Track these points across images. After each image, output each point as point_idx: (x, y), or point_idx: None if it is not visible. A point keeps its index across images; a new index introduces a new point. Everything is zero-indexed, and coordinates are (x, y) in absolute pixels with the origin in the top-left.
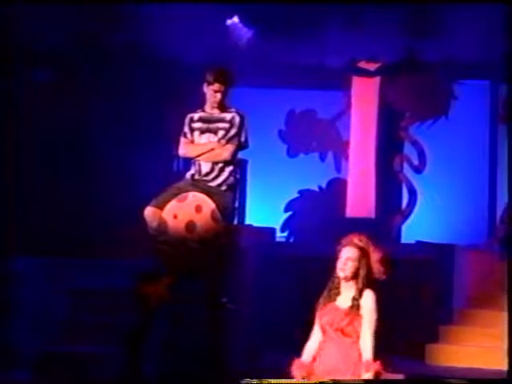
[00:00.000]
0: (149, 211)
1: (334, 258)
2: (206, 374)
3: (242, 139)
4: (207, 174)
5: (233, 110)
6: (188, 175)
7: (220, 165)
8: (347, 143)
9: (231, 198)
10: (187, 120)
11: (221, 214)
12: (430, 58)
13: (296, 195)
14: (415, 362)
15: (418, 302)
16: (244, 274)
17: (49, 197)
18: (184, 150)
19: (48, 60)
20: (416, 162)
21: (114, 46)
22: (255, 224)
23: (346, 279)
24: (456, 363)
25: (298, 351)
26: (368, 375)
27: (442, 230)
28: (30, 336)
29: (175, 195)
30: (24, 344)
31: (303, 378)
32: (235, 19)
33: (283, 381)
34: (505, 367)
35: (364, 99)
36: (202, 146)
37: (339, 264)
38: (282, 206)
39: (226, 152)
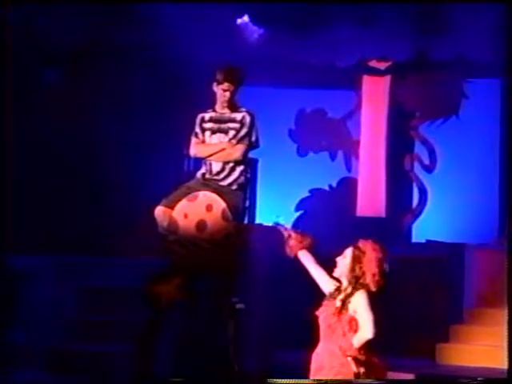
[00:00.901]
0: (159, 211)
1: None
2: (217, 374)
3: (253, 139)
4: (218, 173)
5: (243, 109)
6: (199, 174)
7: (231, 164)
8: (357, 142)
9: (242, 198)
10: (198, 120)
11: (231, 213)
12: (440, 57)
13: (307, 194)
14: (426, 361)
15: (428, 302)
16: (254, 274)
17: (59, 195)
18: (195, 150)
19: (59, 59)
20: (427, 162)
21: (125, 46)
22: (266, 223)
23: (340, 276)
24: (467, 362)
25: (307, 350)
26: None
27: (453, 229)
28: (40, 335)
29: (186, 194)
30: (34, 343)
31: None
32: (245, 18)
33: (291, 381)
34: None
35: (374, 98)
36: (213, 146)
37: (337, 262)
38: (293, 206)
39: (237, 152)
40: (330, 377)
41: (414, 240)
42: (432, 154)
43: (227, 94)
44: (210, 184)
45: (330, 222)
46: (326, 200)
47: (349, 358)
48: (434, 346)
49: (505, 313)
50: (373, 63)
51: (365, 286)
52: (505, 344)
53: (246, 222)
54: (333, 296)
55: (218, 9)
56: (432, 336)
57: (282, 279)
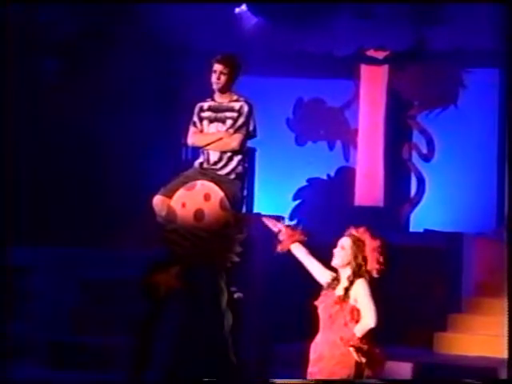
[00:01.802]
0: (157, 200)
1: None
2: (215, 364)
3: (251, 128)
4: (216, 162)
5: (241, 99)
6: (196, 164)
7: (228, 154)
8: (356, 132)
9: (240, 187)
10: (197, 109)
11: (229, 202)
12: (438, 47)
13: (304, 184)
14: (424, 350)
15: (426, 291)
16: (253, 263)
17: (58, 187)
18: (192, 139)
19: (58, 50)
20: (425, 151)
21: (123, 37)
22: (264, 212)
23: (337, 266)
24: (465, 352)
25: (306, 341)
26: (351, 349)
27: (451, 218)
28: (41, 326)
29: (184, 184)
30: (34, 334)
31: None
32: (243, 7)
33: (286, 381)
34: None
35: (372, 88)
36: (211, 135)
37: (334, 253)
38: (291, 195)
39: (234, 141)
40: (329, 367)
41: (412, 229)
42: (430, 143)
43: (221, 77)
44: (207, 173)
45: (328, 211)
46: (324, 189)
47: (351, 348)
48: (432, 335)
49: (504, 302)
50: (371, 53)
51: (368, 273)
52: (505, 333)
53: (243, 211)
54: (331, 286)
55: None
56: (430, 325)
57: (281, 269)
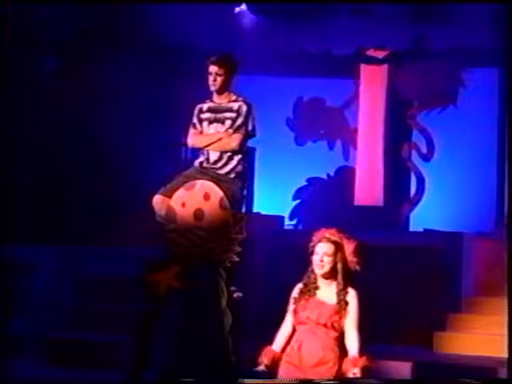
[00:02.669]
0: (157, 199)
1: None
2: (214, 364)
3: (249, 128)
4: (216, 161)
5: (240, 99)
6: (196, 163)
7: (228, 153)
8: (355, 131)
9: (240, 186)
10: (196, 111)
11: (229, 202)
12: (438, 46)
13: (304, 183)
14: (423, 350)
15: (425, 290)
16: (252, 263)
17: (58, 185)
18: (192, 140)
19: (58, 49)
20: (424, 150)
21: (122, 35)
22: (263, 212)
23: (325, 275)
24: (464, 351)
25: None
26: (356, 370)
27: (451, 217)
28: (40, 325)
29: (183, 183)
30: (34, 332)
31: (267, 366)
32: (243, 7)
33: (281, 381)
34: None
35: (372, 87)
36: (210, 136)
37: (316, 260)
38: (291, 194)
39: (234, 141)
40: (332, 371)
41: (411, 229)
42: (430, 142)
43: (217, 78)
44: (207, 172)
45: (328, 211)
46: (323, 189)
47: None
48: (431, 334)
49: (504, 301)
50: (371, 52)
51: (351, 276)
52: (505, 333)
53: (243, 210)
54: (310, 292)
55: None
56: (430, 325)
57: (280, 268)
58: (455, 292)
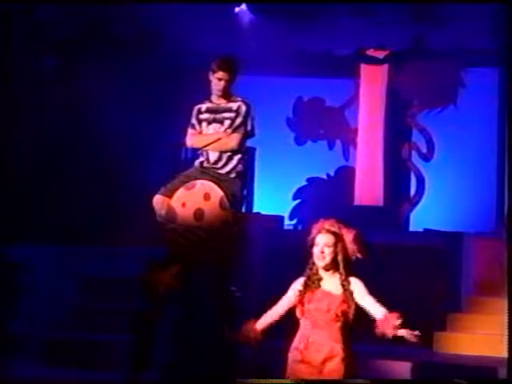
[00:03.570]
0: (157, 199)
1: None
2: (215, 363)
3: (249, 128)
4: (216, 161)
5: (239, 98)
6: (197, 163)
7: (228, 153)
8: (355, 131)
9: (240, 186)
10: (195, 112)
11: (229, 201)
12: (438, 46)
13: (304, 183)
14: (423, 349)
15: (426, 290)
16: (252, 263)
17: (58, 185)
18: (191, 140)
19: (58, 49)
20: (424, 150)
21: (122, 36)
22: (263, 212)
23: (326, 267)
24: (464, 351)
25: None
26: (398, 322)
27: (451, 217)
28: (41, 324)
29: (184, 183)
30: (33, 332)
31: (251, 340)
32: (243, 7)
33: (282, 381)
34: (503, 354)
35: (372, 87)
36: (209, 136)
37: (316, 252)
38: (291, 194)
39: (233, 141)
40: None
41: (411, 229)
42: (430, 142)
43: (222, 83)
44: (208, 172)
45: (328, 210)
46: (323, 189)
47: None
48: (431, 334)
49: (504, 301)
50: (371, 52)
51: (352, 266)
52: (505, 332)
53: (243, 210)
54: (314, 284)
55: None
56: (430, 324)
57: (280, 268)
58: (455, 292)
